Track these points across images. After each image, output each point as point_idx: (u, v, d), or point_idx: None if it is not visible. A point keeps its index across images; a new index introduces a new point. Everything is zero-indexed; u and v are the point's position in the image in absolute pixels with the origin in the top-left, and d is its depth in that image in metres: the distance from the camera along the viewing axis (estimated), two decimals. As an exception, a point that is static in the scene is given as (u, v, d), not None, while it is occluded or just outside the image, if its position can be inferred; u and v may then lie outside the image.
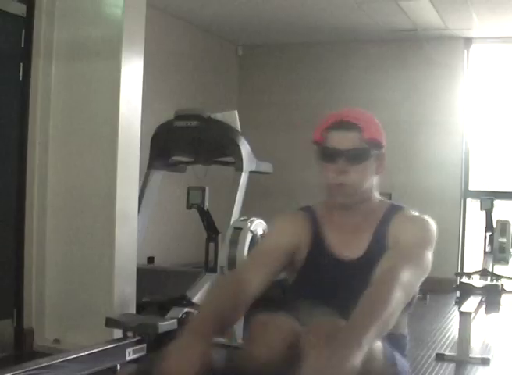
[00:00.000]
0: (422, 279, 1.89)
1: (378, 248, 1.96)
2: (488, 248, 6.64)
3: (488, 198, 6.67)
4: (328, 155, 1.96)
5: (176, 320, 3.73)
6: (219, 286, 2.08)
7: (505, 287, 6.29)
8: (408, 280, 1.77)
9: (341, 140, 1.94)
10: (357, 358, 1.53)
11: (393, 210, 2.04)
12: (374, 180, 2.03)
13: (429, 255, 1.92)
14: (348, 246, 2.03)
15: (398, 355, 1.90)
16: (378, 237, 1.99)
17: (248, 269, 2.05)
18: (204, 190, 4.25)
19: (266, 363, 1.79)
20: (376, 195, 2.07)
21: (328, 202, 2.06)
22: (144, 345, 3.60)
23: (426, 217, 2.03)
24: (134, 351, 3.55)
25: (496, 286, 6.11)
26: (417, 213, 2.06)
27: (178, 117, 4.82)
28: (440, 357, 4.25)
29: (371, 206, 2.04)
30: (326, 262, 2.03)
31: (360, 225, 2.03)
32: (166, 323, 3.67)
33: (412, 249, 1.89)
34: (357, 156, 1.94)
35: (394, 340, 1.89)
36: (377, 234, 2.00)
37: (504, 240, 6.61)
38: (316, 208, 2.13)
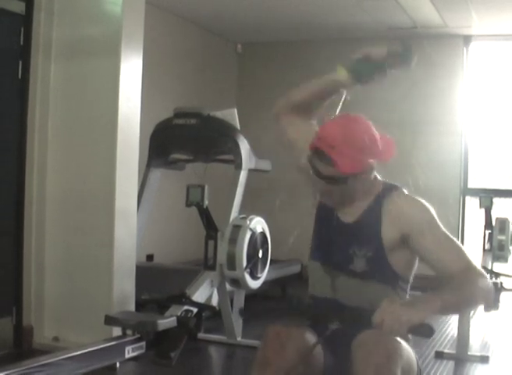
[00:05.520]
0: None
1: (370, 216, 2.12)
2: (487, 246, 6.63)
3: (488, 196, 6.67)
4: (314, 172, 2.08)
5: (175, 318, 3.73)
6: None
7: (504, 285, 6.30)
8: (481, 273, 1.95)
9: (320, 167, 2.05)
10: (424, 315, 1.77)
11: (389, 187, 2.17)
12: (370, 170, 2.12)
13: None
14: (346, 212, 2.17)
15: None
16: (370, 210, 2.13)
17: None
18: (203, 188, 4.25)
19: None
20: (373, 176, 2.16)
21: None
22: (143, 343, 3.59)
23: (418, 198, 2.14)
24: (133, 349, 3.55)
25: (495, 284, 6.10)
26: (407, 193, 2.19)
27: (177, 115, 4.82)
28: (439, 355, 4.25)
29: (366, 182, 2.13)
30: (332, 223, 2.19)
31: (356, 197, 2.14)
32: (165, 320, 3.67)
33: (445, 237, 2.04)
34: (338, 181, 2.05)
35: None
36: (375, 205, 2.13)
37: (503, 238, 6.60)
38: None
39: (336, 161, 2.00)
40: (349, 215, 2.15)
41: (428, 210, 2.07)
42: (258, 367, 1.99)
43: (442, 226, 2.05)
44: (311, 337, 2.02)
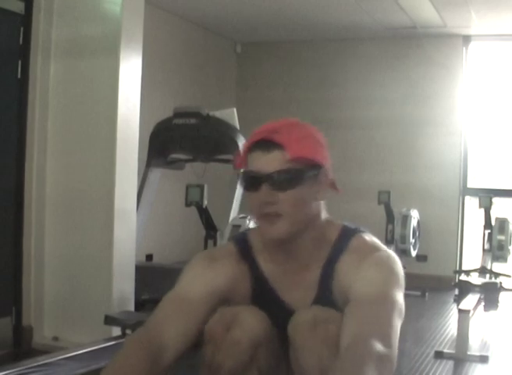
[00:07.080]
0: (399, 326, 1.56)
1: (328, 292, 1.70)
2: (486, 246, 6.64)
3: (487, 196, 6.68)
4: (250, 180, 1.66)
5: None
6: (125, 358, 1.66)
7: (503, 285, 6.30)
8: (380, 349, 1.43)
9: (262, 162, 1.63)
10: None
11: (345, 238, 1.72)
12: (318, 205, 1.70)
13: (399, 297, 1.61)
14: (295, 290, 1.73)
15: None
16: (327, 278, 1.70)
17: (162, 329, 1.73)
18: (202, 187, 4.25)
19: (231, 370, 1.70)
20: (324, 220, 1.73)
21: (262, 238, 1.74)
22: (143, 343, 3.59)
23: (385, 250, 1.71)
24: (133, 349, 3.54)
25: (495, 283, 6.11)
26: (373, 239, 1.75)
27: (176, 115, 4.82)
28: (439, 354, 4.25)
29: (317, 235, 1.71)
30: (275, 310, 1.74)
31: (306, 261, 1.72)
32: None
33: (378, 300, 1.56)
34: (284, 180, 1.61)
35: None
36: (326, 274, 1.70)
37: (503, 237, 6.61)
38: (252, 239, 1.82)
39: (284, 142, 1.60)
40: (298, 298, 1.71)
41: (384, 268, 1.63)
42: (206, 364, 1.74)
43: (393, 290, 1.59)
44: (264, 317, 1.70)
